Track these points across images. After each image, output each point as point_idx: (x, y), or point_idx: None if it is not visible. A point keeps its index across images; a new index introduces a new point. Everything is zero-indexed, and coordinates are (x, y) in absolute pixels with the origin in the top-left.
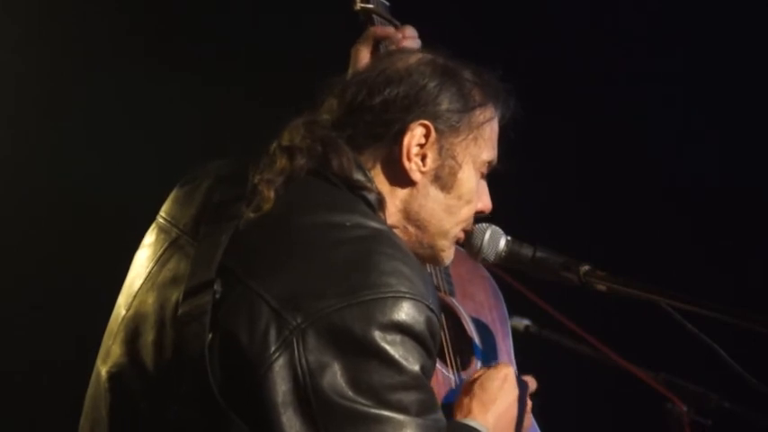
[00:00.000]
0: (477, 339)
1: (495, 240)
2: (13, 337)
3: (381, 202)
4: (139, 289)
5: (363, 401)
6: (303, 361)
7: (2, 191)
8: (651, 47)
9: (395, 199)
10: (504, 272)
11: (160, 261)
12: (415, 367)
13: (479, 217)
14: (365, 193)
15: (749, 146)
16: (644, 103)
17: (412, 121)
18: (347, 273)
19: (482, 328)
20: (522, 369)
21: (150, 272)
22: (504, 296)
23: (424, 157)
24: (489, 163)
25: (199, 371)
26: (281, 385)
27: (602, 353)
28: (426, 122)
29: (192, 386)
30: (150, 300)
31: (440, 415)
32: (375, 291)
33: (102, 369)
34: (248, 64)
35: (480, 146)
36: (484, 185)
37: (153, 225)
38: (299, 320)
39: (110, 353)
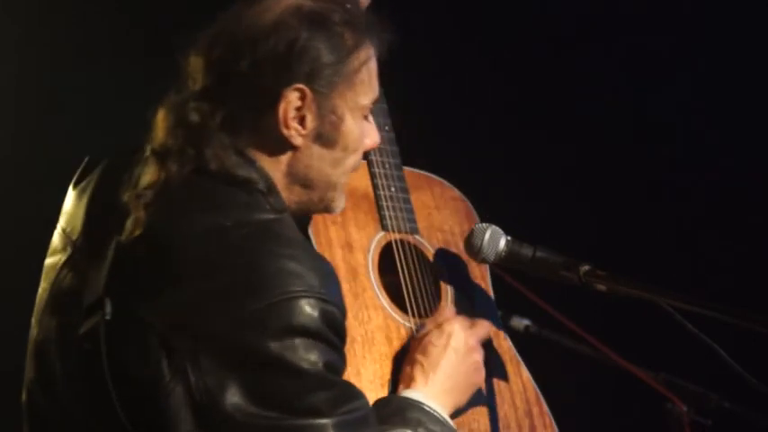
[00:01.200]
0: (446, 275)
1: (495, 240)
2: (13, 337)
3: (270, 186)
4: (44, 309)
5: (271, 415)
6: (201, 385)
7: (2, 191)
8: (653, 48)
9: (280, 165)
10: (504, 272)
11: (59, 276)
12: (318, 366)
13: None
14: (250, 185)
15: (750, 146)
16: (646, 104)
17: (285, 86)
18: (232, 284)
19: (452, 258)
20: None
21: (53, 287)
22: (505, 296)
23: (302, 120)
24: (371, 104)
25: (105, 397)
26: (183, 413)
27: (602, 353)
28: (300, 86)
29: (102, 413)
30: (54, 323)
31: (358, 402)
32: (262, 298)
33: (24, 393)
34: None
35: (359, 92)
36: (369, 125)
37: (56, 232)
38: (189, 344)
39: (25, 377)
